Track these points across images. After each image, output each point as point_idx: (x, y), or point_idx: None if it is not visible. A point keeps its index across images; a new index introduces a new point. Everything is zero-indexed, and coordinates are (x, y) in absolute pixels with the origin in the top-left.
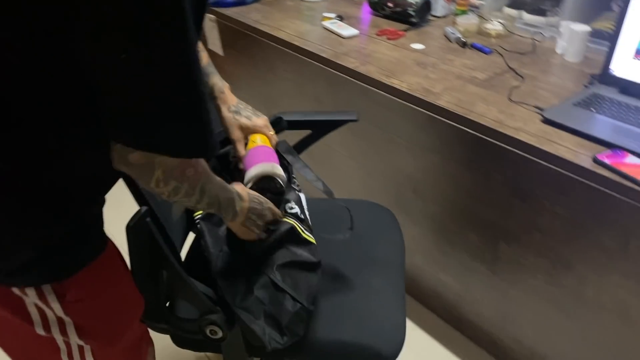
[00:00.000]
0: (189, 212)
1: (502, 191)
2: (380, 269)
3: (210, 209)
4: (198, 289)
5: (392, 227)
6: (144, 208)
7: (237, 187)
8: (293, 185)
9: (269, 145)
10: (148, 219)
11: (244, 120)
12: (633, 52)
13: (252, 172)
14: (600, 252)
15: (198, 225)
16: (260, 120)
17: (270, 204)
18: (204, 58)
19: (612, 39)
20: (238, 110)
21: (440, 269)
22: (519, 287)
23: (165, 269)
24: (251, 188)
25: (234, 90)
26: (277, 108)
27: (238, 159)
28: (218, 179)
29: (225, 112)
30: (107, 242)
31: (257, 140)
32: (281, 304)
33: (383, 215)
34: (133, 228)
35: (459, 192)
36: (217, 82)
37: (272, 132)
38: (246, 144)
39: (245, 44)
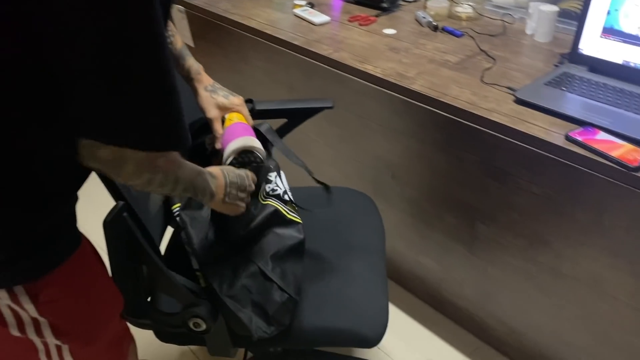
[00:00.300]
0: (167, 205)
1: (477, 172)
2: (361, 254)
3: (186, 193)
4: (179, 282)
5: (371, 213)
6: (121, 203)
7: (210, 168)
8: (271, 164)
9: (245, 122)
10: (125, 214)
11: (220, 99)
12: (600, 30)
13: (230, 147)
14: (575, 228)
15: (178, 218)
16: (237, 99)
17: (249, 173)
18: (178, 42)
19: (579, 18)
20: (214, 90)
21: (420, 252)
22: (497, 266)
23: (145, 264)
24: (231, 163)
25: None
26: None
27: (216, 138)
28: (190, 164)
29: (201, 91)
30: (80, 240)
31: (234, 118)
32: (269, 294)
33: (361, 201)
34: (110, 224)
35: (435, 175)
36: (193, 64)
37: (247, 112)
38: (223, 123)
39: (216, 34)
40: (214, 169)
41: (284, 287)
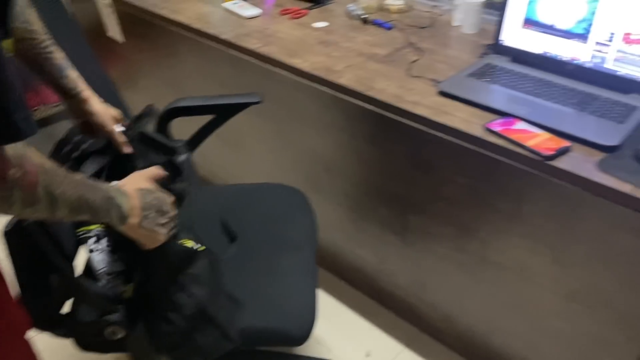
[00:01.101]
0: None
1: (405, 164)
2: (291, 251)
3: (82, 216)
4: (92, 290)
5: (302, 208)
6: None
7: (121, 184)
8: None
9: None
10: (26, 222)
11: (112, 111)
12: (521, 21)
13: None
14: (497, 216)
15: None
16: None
17: (169, 196)
18: (57, 55)
19: (501, 9)
20: (104, 102)
21: (357, 245)
22: (429, 256)
23: (54, 273)
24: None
25: (137, 77)
26: (181, 93)
27: (122, 145)
28: (77, 176)
29: (97, 105)
30: None
31: None
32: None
33: (293, 196)
34: (9, 234)
35: (366, 168)
36: (77, 78)
37: None
38: None
39: (145, 29)
40: (127, 187)
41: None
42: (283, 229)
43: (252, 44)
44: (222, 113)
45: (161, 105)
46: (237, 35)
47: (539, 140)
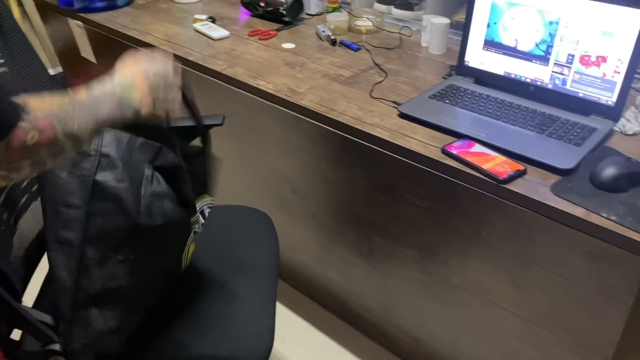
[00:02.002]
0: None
1: (367, 186)
2: (249, 275)
3: (102, 131)
4: (33, 318)
5: (265, 231)
6: None
7: (120, 73)
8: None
9: None
10: None
11: None
12: (482, 43)
13: None
14: (458, 239)
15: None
16: None
17: (164, 61)
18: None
19: (464, 31)
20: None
21: (326, 266)
22: (395, 278)
23: None
24: None
25: None
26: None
27: None
28: (82, 96)
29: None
30: None
31: None
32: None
33: (257, 219)
34: None
35: (331, 189)
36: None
37: None
38: None
39: (115, 49)
40: (128, 74)
41: None
42: (242, 252)
43: (218, 65)
44: (186, 135)
45: None
46: (203, 57)
47: (494, 163)
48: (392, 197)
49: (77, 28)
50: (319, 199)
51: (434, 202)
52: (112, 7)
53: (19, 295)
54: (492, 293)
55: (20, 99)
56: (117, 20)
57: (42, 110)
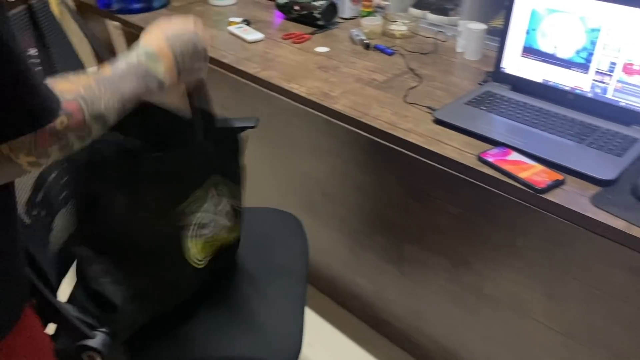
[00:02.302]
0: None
1: (399, 192)
2: (280, 278)
3: (129, 108)
4: (69, 314)
5: (295, 234)
6: None
7: (146, 42)
8: None
9: None
10: None
11: None
12: (521, 49)
13: None
14: (491, 249)
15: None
16: None
17: (192, 24)
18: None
19: (501, 37)
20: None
21: (354, 271)
22: (425, 286)
23: (33, 297)
24: None
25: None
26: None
27: None
28: (107, 73)
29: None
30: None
31: None
32: None
33: (286, 221)
34: None
35: (362, 194)
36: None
37: None
38: None
39: None
40: (153, 43)
41: None
42: (272, 254)
43: (252, 68)
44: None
45: None
46: (238, 59)
47: (532, 172)
48: (424, 204)
49: (114, 29)
50: (349, 203)
51: (467, 210)
52: (148, 8)
53: (54, 290)
54: (526, 304)
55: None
56: (153, 21)
57: (69, 92)
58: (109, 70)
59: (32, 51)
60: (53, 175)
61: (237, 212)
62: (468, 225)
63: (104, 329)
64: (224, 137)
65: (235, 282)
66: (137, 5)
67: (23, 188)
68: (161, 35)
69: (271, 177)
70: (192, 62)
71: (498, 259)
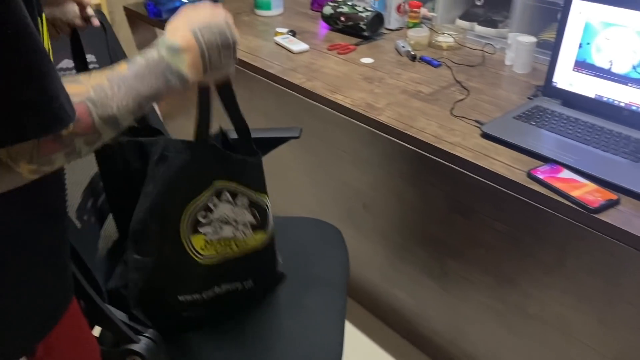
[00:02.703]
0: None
1: (443, 207)
2: (320, 289)
3: (148, 108)
4: (116, 318)
5: (335, 245)
6: None
7: (171, 33)
8: None
9: None
10: None
11: None
12: (573, 63)
13: None
14: (539, 268)
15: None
16: None
17: (223, 15)
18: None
19: (553, 51)
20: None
21: (394, 285)
22: (467, 303)
23: (82, 299)
24: None
25: (188, 106)
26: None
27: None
28: (122, 72)
29: None
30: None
31: None
32: None
33: (327, 232)
34: None
35: (404, 207)
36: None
37: None
38: None
39: None
40: (174, 33)
41: None
42: (312, 265)
43: (297, 79)
44: (262, 146)
45: None
46: (283, 70)
47: (584, 191)
48: (470, 219)
49: None
50: (390, 216)
51: (515, 228)
52: None
53: (102, 294)
54: (574, 328)
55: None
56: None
57: (77, 95)
58: (125, 67)
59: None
60: (101, 183)
61: (259, 219)
62: (514, 242)
63: (148, 334)
64: (247, 147)
65: (274, 290)
66: None
67: (74, 194)
68: (187, 26)
69: (311, 186)
70: (221, 56)
71: (545, 279)
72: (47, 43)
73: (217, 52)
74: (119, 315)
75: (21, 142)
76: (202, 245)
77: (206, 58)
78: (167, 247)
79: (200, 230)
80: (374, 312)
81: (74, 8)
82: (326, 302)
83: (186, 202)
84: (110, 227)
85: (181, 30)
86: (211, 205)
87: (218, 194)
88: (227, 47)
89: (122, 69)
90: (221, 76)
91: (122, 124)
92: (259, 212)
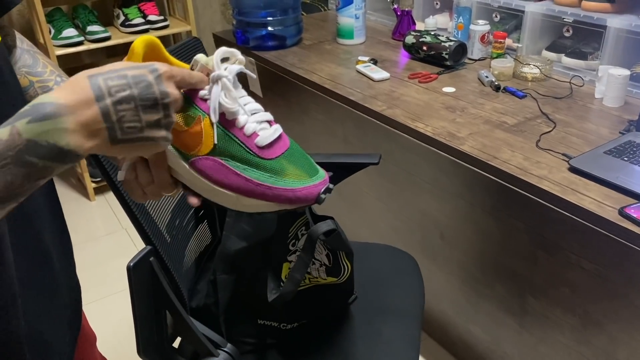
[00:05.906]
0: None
1: (526, 242)
2: (394, 318)
3: (22, 196)
4: (198, 331)
5: (411, 274)
6: (147, 247)
7: (55, 92)
8: None
9: None
10: (151, 259)
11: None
12: None
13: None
14: (629, 311)
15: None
16: None
17: (155, 67)
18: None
19: None
20: None
21: (469, 319)
22: (548, 344)
23: (167, 309)
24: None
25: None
26: (309, 148)
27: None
28: None
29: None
30: None
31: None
32: None
33: (403, 260)
34: (134, 267)
35: (484, 240)
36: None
37: None
38: None
39: (282, 86)
40: (63, 88)
41: None
42: (388, 293)
43: (378, 106)
44: (341, 171)
45: None
46: (364, 97)
47: None
48: (554, 256)
49: (249, 64)
50: (468, 248)
51: (603, 267)
52: (281, 46)
53: (186, 305)
54: None
55: None
56: (285, 59)
57: None
58: None
59: None
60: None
61: (332, 265)
62: (603, 283)
63: (227, 349)
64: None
65: (349, 317)
66: (271, 43)
67: (163, 213)
68: (85, 74)
69: (387, 213)
70: (140, 115)
71: (636, 323)
72: None
73: (131, 109)
74: (200, 328)
75: None
76: (286, 274)
77: (111, 115)
78: (265, 271)
79: (289, 258)
80: (445, 346)
81: None
82: (402, 331)
83: (290, 225)
84: (193, 244)
85: (73, 81)
86: (299, 234)
87: (307, 224)
88: (149, 104)
89: None
90: (147, 150)
91: None
92: (334, 258)
